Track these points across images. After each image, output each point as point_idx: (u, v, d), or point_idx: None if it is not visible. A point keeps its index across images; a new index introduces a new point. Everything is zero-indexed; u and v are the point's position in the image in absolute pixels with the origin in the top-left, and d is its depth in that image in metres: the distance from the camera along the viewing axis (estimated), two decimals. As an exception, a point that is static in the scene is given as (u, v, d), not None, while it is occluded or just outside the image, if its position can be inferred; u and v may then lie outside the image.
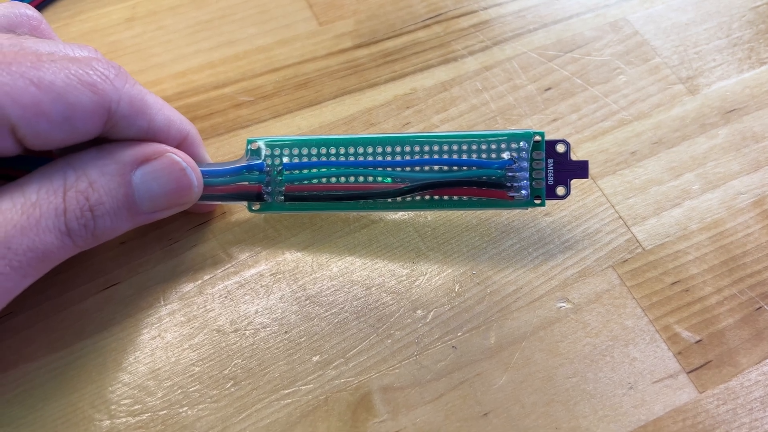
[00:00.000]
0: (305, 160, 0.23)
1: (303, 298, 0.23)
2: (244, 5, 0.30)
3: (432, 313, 0.22)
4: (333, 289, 0.23)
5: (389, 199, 0.22)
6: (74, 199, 0.19)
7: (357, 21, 0.29)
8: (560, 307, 0.22)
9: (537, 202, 0.22)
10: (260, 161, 0.22)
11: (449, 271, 0.23)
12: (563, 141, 0.22)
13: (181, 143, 0.22)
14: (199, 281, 0.23)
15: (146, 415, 0.20)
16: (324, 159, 0.23)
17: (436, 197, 0.22)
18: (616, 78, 0.28)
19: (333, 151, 0.23)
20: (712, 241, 0.24)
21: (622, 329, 0.22)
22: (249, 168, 0.22)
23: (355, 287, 0.23)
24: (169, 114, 0.21)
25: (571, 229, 0.24)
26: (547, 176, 0.22)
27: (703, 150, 0.26)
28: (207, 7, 0.30)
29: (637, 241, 0.24)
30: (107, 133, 0.20)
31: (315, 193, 0.23)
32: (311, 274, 0.23)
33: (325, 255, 0.23)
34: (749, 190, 0.25)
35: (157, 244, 0.23)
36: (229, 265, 0.23)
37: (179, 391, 0.21)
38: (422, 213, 0.24)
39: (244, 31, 0.29)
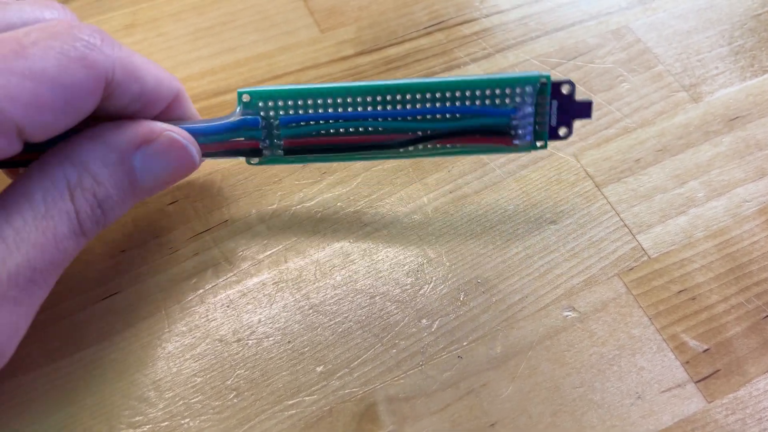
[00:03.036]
0: (302, 112, 0.22)
1: (306, 307, 0.22)
2: (245, 12, 0.30)
3: (437, 322, 0.22)
4: (337, 298, 0.22)
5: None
6: (83, 199, 0.18)
7: (359, 28, 0.29)
8: (566, 315, 0.22)
9: (539, 144, 0.22)
10: (255, 117, 0.21)
11: (454, 279, 0.23)
12: (568, 81, 0.21)
13: (173, 101, 0.21)
14: (201, 290, 0.23)
15: (147, 426, 0.20)
16: (322, 111, 0.21)
17: (439, 145, 0.22)
18: (619, 85, 0.28)
19: (330, 101, 0.21)
20: (717, 249, 0.24)
21: (629, 338, 0.22)
22: (243, 124, 0.21)
23: (359, 296, 0.23)
24: (157, 73, 0.20)
25: (576, 237, 0.24)
26: (550, 118, 0.22)
27: (708, 157, 0.26)
28: (208, 13, 0.30)
29: (643, 249, 0.24)
30: (102, 104, 0.19)
31: (316, 146, 0.22)
32: (314, 283, 0.23)
33: (329, 263, 0.23)
34: (754, 198, 0.25)
35: (157, 253, 0.23)
36: (231, 274, 0.23)
37: (181, 402, 0.20)
38: (427, 220, 0.24)
39: (245, 38, 0.29)
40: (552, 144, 0.26)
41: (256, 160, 0.22)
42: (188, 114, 0.22)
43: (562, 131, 0.22)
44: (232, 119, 0.21)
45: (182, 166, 0.21)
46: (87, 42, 0.17)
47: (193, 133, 0.21)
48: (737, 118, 0.27)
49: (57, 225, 0.17)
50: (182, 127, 0.21)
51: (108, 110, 0.19)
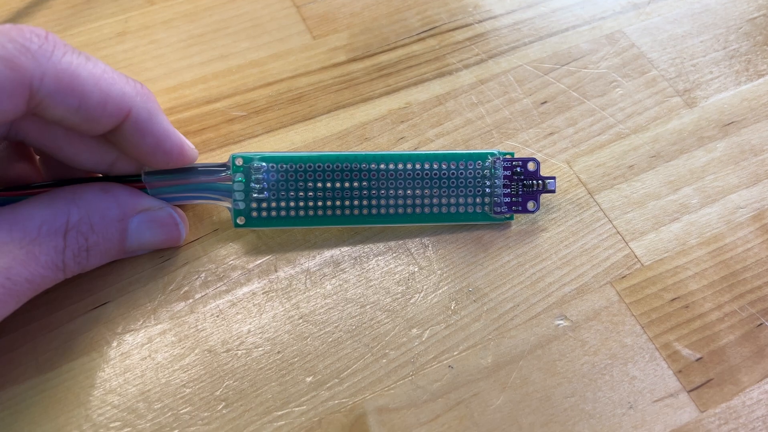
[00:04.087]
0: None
1: (296, 317, 0.22)
2: (237, 19, 0.30)
3: (428, 331, 0.22)
4: (327, 308, 0.22)
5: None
6: (75, 240, 0.19)
7: (351, 35, 0.29)
8: (558, 324, 0.22)
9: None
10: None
11: (445, 288, 0.23)
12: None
13: (123, 122, 0.19)
14: (191, 300, 0.22)
15: (135, 438, 0.20)
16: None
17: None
18: (612, 91, 0.28)
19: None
20: (711, 256, 0.24)
21: (621, 347, 0.22)
22: (218, 189, 0.23)
23: (350, 305, 0.22)
24: (106, 89, 0.19)
25: (569, 245, 0.24)
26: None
27: (702, 163, 0.26)
28: (200, 21, 0.30)
29: (636, 256, 0.23)
30: (33, 110, 0.18)
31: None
32: (304, 293, 0.23)
33: (319, 272, 0.23)
34: (748, 204, 0.25)
35: (147, 263, 0.23)
36: (221, 284, 0.23)
37: (170, 414, 0.20)
38: (418, 229, 0.24)
39: (237, 45, 0.29)
40: (545, 150, 0.26)
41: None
42: (149, 135, 0.20)
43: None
44: (208, 180, 0.22)
45: (168, 240, 0.22)
46: (20, 44, 0.17)
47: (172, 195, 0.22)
48: (732, 123, 0.27)
49: (42, 252, 0.19)
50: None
51: (44, 118, 0.19)
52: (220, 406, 0.21)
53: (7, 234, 0.18)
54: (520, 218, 0.24)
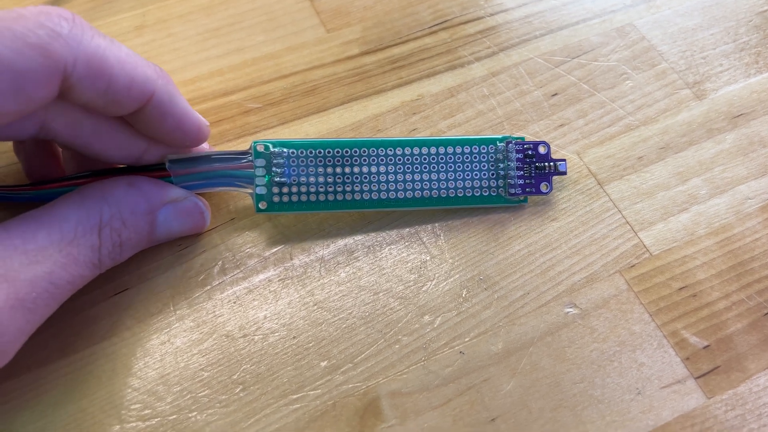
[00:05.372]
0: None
1: (311, 303, 0.23)
2: (252, 13, 0.30)
3: (439, 318, 0.22)
4: (341, 295, 0.23)
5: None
6: (109, 237, 0.20)
7: (364, 28, 0.30)
8: (567, 312, 0.23)
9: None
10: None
11: (456, 276, 0.23)
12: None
13: (145, 105, 0.20)
14: (208, 287, 0.23)
15: (156, 420, 0.21)
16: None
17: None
18: (622, 83, 0.28)
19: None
20: (719, 246, 0.24)
21: (630, 335, 0.22)
22: (240, 176, 0.23)
23: (363, 293, 0.23)
24: (131, 72, 0.19)
25: (578, 234, 0.24)
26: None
27: (711, 155, 0.26)
28: (216, 14, 0.30)
29: (645, 246, 0.24)
30: (62, 95, 0.18)
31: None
32: (319, 280, 0.23)
33: (333, 260, 0.24)
34: (757, 195, 0.25)
35: (166, 250, 0.24)
36: (238, 271, 0.23)
37: (188, 396, 0.21)
38: (428, 219, 0.24)
39: (252, 39, 0.29)
40: (556, 142, 0.26)
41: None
42: (169, 117, 0.21)
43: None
44: (228, 168, 0.23)
45: (195, 227, 0.23)
46: (50, 30, 0.17)
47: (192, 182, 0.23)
48: (741, 115, 0.27)
49: (80, 252, 0.19)
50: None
51: (70, 102, 0.19)
52: (238, 389, 0.21)
53: (46, 238, 0.18)
54: (532, 201, 0.25)
